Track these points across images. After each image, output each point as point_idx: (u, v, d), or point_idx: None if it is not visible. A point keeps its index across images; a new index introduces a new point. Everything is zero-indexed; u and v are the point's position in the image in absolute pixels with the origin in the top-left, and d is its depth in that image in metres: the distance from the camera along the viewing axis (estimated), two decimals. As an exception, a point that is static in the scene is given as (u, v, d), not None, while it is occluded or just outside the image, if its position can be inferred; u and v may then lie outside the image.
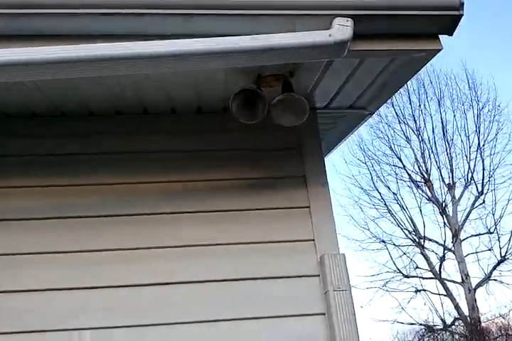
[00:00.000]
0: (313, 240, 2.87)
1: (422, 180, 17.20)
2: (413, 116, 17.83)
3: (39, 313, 2.66)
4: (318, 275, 2.78)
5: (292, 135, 3.15)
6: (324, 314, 2.69)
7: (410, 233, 16.58)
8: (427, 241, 16.31)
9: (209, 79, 2.77)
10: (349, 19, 2.36)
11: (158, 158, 3.04)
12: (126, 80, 2.71)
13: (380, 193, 17.40)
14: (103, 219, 2.87)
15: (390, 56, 2.55)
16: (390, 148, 17.83)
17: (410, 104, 17.92)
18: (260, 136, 3.14)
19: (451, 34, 2.49)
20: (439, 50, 2.49)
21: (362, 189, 17.73)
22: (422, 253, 16.19)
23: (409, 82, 18.16)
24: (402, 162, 17.54)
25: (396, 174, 17.61)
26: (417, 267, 16.17)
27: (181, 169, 3.04)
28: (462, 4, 2.39)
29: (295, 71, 2.72)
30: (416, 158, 17.40)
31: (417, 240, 16.38)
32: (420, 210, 16.69)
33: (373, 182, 17.65)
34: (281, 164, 3.10)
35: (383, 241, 16.58)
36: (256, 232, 2.90)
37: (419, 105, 17.82)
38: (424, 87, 17.89)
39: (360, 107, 3.28)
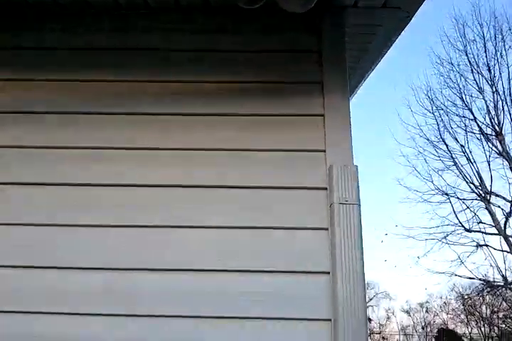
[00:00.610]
0: (324, 151, 2.55)
1: (493, 133, 16.25)
2: (488, 65, 16.71)
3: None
4: (326, 189, 2.47)
5: (313, 36, 2.81)
6: (327, 229, 2.39)
7: (476, 187, 15.84)
8: (493, 197, 15.56)
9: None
10: None
11: (160, 57, 2.78)
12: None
13: (446, 145, 16.64)
14: (99, 116, 2.68)
15: None
16: (461, 98, 16.91)
17: (485, 52, 16.78)
18: (275, 37, 2.82)
19: None
20: None
21: (427, 140, 16.99)
22: (486, 208, 15.46)
23: (485, 28, 17.02)
24: (472, 113, 16.64)
25: (465, 126, 16.75)
26: (480, 222, 15.51)
27: (185, 69, 2.76)
28: None
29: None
30: (488, 110, 16.42)
31: (483, 195, 15.62)
32: (489, 164, 15.87)
33: (440, 134, 16.87)
34: (296, 68, 2.76)
35: (446, 194, 15.96)
36: (262, 139, 2.61)
37: (495, 53, 16.65)
38: (501, 34, 16.65)
39: (394, 7, 2.87)
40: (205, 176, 2.56)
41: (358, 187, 2.39)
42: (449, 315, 16.04)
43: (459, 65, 17.03)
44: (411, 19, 3.00)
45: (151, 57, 2.79)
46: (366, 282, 2.58)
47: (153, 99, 2.71)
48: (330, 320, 2.30)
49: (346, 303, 2.21)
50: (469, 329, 29.40)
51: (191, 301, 2.37)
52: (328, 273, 2.33)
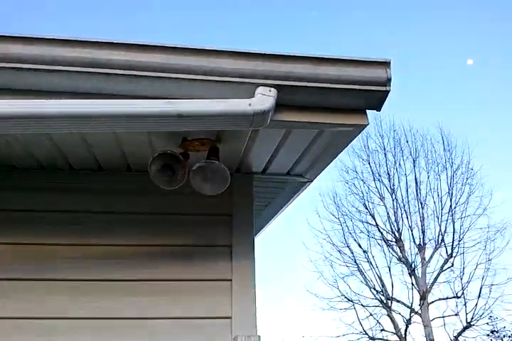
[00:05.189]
0: (230, 318, 2.69)
1: (394, 240, 16.98)
2: (388, 174, 17.74)
3: None
4: (232, 357, 2.59)
5: (224, 200, 3.02)
6: None
7: (378, 293, 16.21)
8: (394, 303, 15.95)
9: (132, 140, 2.64)
10: (272, 89, 2.27)
11: (69, 218, 2.90)
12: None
13: (351, 250, 17.12)
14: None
15: (315, 128, 2.44)
16: (364, 204, 17.65)
17: (386, 161, 17.87)
18: (188, 200, 3.00)
19: (378, 109, 2.41)
20: (365, 126, 2.40)
21: (333, 245, 17.43)
22: (388, 315, 15.79)
23: (386, 140, 18.27)
24: (375, 220, 17.31)
25: (368, 232, 17.33)
26: (382, 329, 15.74)
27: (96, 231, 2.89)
28: (389, 80, 2.31)
29: (221, 136, 2.60)
30: (388, 217, 17.24)
31: (385, 301, 16.02)
32: (389, 270, 16.39)
33: (345, 239, 17.35)
34: (206, 231, 2.95)
35: (351, 301, 16.18)
36: (171, 305, 2.72)
37: (395, 163, 17.80)
38: (400, 146, 17.91)
39: (297, 174, 3.17)
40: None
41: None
42: None
43: (362, 172, 17.96)
44: (311, 182, 3.31)
45: (57, 219, 2.89)
46: None
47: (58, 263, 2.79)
48: None
49: None
50: None
51: None
52: None
